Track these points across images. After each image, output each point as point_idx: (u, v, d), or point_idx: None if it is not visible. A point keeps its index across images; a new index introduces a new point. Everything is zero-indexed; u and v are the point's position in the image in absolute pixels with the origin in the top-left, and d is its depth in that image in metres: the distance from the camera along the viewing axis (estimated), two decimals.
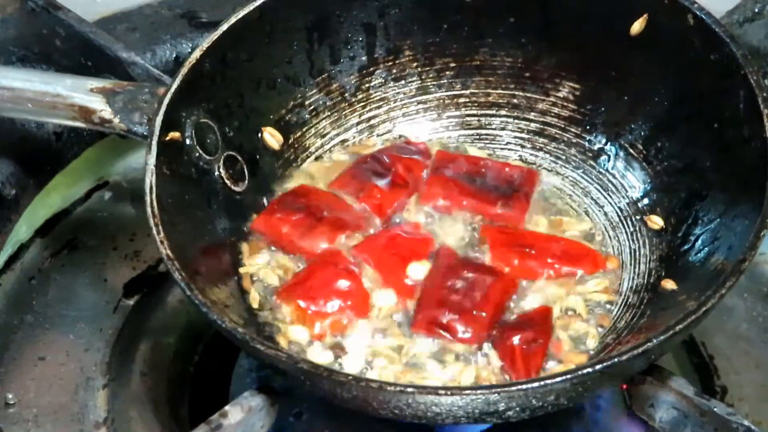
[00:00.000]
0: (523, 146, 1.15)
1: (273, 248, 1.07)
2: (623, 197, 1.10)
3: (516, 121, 1.15)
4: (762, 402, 1.10)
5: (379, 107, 1.15)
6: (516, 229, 1.08)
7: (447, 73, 1.15)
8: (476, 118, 1.16)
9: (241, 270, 1.05)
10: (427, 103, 1.16)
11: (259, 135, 1.10)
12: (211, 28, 1.08)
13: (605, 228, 1.10)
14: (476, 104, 1.16)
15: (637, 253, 1.07)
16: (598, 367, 0.89)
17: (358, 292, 1.03)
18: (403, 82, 1.15)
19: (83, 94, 1.03)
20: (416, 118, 1.16)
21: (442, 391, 0.89)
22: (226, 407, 0.96)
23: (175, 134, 1.02)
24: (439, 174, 1.11)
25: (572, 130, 1.13)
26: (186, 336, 1.16)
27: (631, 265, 1.07)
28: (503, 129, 1.15)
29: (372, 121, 1.15)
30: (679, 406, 0.96)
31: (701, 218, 1.03)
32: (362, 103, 1.15)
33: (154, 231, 0.96)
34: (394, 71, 1.15)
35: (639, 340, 0.91)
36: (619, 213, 1.10)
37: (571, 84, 1.13)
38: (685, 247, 1.04)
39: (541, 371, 0.99)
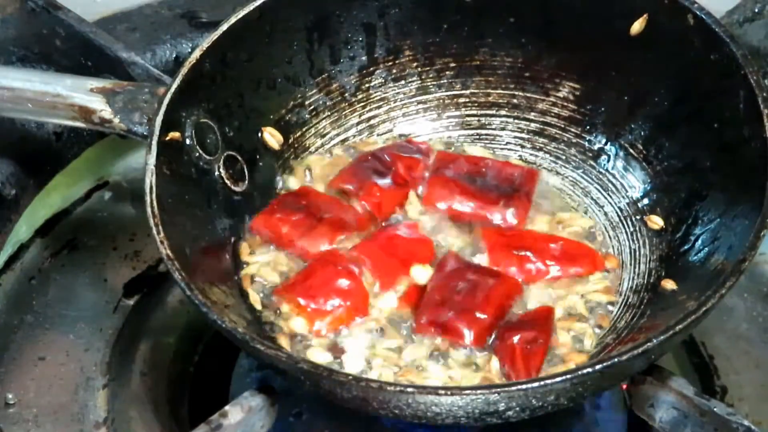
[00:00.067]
0: (523, 146, 1.15)
1: (273, 248, 1.07)
2: (623, 197, 1.10)
3: (516, 121, 1.15)
4: (762, 402, 1.10)
5: (379, 107, 1.15)
6: (515, 230, 1.08)
7: (447, 73, 1.15)
8: (476, 118, 1.16)
9: (241, 270, 1.05)
10: (427, 103, 1.16)
11: (259, 135, 1.10)
12: (211, 28, 1.08)
13: (605, 228, 1.10)
14: (476, 104, 1.16)
15: (637, 253, 1.07)
16: (598, 367, 0.89)
17: (358, 291, 1.03)
18: (403, 82, 1.15)
19: (83, 94, 1.03)
20: (416, 118, 1.16)
21: (442, 391, 0.89)
22: (226, 407, 0.96)
23: (175, 134, 1.02)
24: (440, 174, 1.11)
25: (572, 130, 1.13)
26: (186, 336, 1.16)
27: (631, 265, 1.07)
28: (503, 129, 1.15)
29: (372, 121, 1.15)
30: (679, 406, 0.96)
31: (701, 218, 1.03)
32: (362, 103, 1.15)
33: (154, 231, 0.96)
34: (394, 71, 1.15)
35: (639, 340, 0.91)
36: (619, 213, 1.10)
37: (571, 84, 1.13)
38: (685, 247, 1.04)
39: (541, 371, 0.99)
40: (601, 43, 1.10)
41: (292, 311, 1.02)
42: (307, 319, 1.02)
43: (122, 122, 1.02)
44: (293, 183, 1.11)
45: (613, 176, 1.11)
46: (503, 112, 1.15)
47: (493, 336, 1.01)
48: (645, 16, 1.07)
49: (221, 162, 1.06)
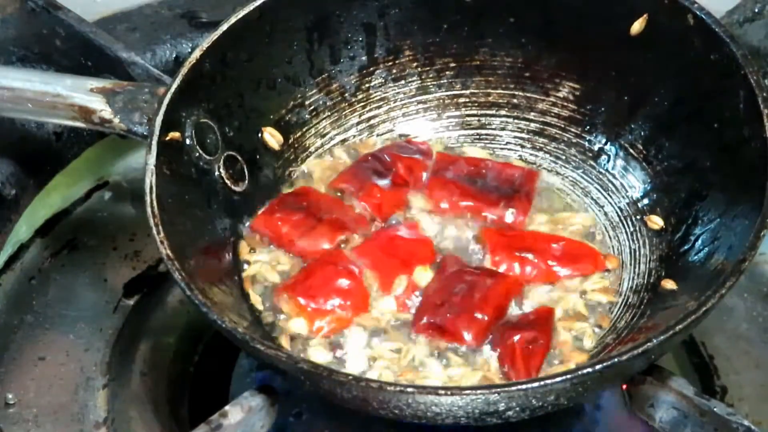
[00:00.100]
0: (523, 146, 1.15)
1: (273, 248, 1.07)
2: (623, 197, 1.10)
3: (516, 121, 1.15)
4: (762, 402, 1.10)
5: (379, 107, 1.15)
6: (516, 230, 1.08)
7: (447, 73, 1.15)
8: (476, 118, 1.16)
9: (242, 270, 1.05)
10: (427, 103, 1.16)
11: (259, 135, 1.10)
12: (211, 28, 1.08)
13: (605, 228, 1.10)
14: (476, 104, 1.16)
15: (637, 253, 1.07)
16: (598, 367, 0.89)
17: (358, 291, 1.03)
18: (403, 82, 1.15)
19: (83, 94, 1.03)
20: (416, 118, 1.16)
21: (442, 391, 0.89)
22: (226, 407, 0.96)
23: (175, 134, 1.02)
24: (440, 176, 1.11)
25: (572, 130, 1.13)
26: (186, 336, 1.16)
27: (631, 265, 1.07)
28: (503, 129, 1.15)
29: (372, 121, 1.15)
30: (679, 406, 0.96)
31: (701, 218, 1.03)
32: (362, 103, 1.15)
33: (154, 231, 0.96)
34: (394, 71, 1.15)
35: (639, 340, 0.91)
36: (619, 213, 1.10)
37: (571, 84, 1.13)
38: (685, 247, 1.04)
39: (541, 371, 0.99)
40: (601, 43, 1.10)
41: (292, 311, 1.03)
42: (308, 319, 1.02)
43: (122, 122, 1.02)
44: (294, 184, 1.11)
45: (613, 176, 1.11)
46: (503, 112, 1.15)
47: (492, 336, 1.01)
48: (645, 16, 1.07)
49: (221, 162, 1.06)
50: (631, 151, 1.11)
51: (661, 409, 0.97)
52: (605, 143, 1.12)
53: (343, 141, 1.15)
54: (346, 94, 1.15)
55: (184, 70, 1.03)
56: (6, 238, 1.12)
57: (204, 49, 1.05)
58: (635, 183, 1.10)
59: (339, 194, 1.10)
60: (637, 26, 1.07)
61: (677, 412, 0.97)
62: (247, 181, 1.08)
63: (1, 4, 1.18)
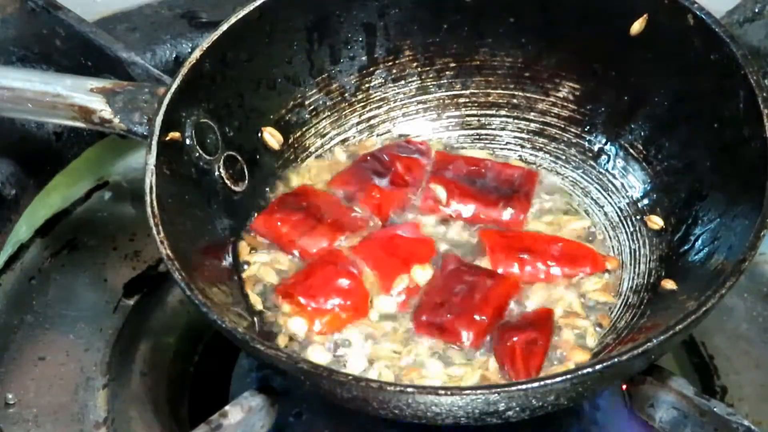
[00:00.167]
0: (523, 146, 1.15)
1: (272, 248, 1.07)
2: (623, 197, 1.10)
3: (516, 121, 1.15)
4: (762, 402, 1.10)
5: (379, 107, 1.15)
6: (515, 231, 1.08)
7: (447, 73, 1.15)
8: (476, 118, 1.16)
9: (242, 270, 1.05)
10: (427, 103, 1.16)
11: (259, 135, 1.10)
12: (211, 28, 1.08)
13: (605, 228, 1.10)
14: (476, 104, 1.16)
15: (637, 253, 1.07)
16: (598, 367, 0.89)
17: (358, 291, 1.03)
18: (403, 82, 1.15)
19: (83, 94, 1.03)
20: (416, 118, 1.16)
21: (442, 391, 0.89)
22: (226, 407, 0.96)
23: (175, 134, 1.02)
24: (439, 176, 1.11)
25: (572, 130, 1.13)
26: (186, 336, 1.16)
27: (631, 265, 1.07)
28: (503, 129, 1.15)
29: (372, 121, 1.15)
30: (679, 406, 0.96)
31: (701, 218, 1.03)
32: (362, 103, 1.15)
33: (154, 231, 0.96)
34: (394, 71, 1.15)
35: (639, 340, 0.91)
36: (619, 213, 1.10)
37: (571, 84, 1.13)
38: (685, 247, 1.04)
39: (541, 371, 0.99)
40: (601, 43, 1.10)
41: (292, 311, 1.03)
42: (308, 319, 1.02)
43: (122, 122, 1.02)
44: (293, 183, 1.11)
45: (613, 176, 1.11)
46: (503, 112, 1.15)
47: (492, 336, 1.01)
48: (645, 16, 1.07)
49: (221, 162, 1.06)
50: (631, 151, 1.11)
51: (661, 409, 0.97)
52: (605, 143, 1.12)
53: (343, 141, 1.15)
54: (346, 94, 1.15)
55: (184, 70, 1.03)
56: (6, 238, 1.12)
57: (204, 49, 1.05)
58: (635, 183, 1.10)
59: (338, 194, 1.10)
60: (637, 26, 1.07)
61: (677, 412, 0.97)
62: (247, 181, 1.08)
63: (1, 4, 1.18)
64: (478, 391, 0.89)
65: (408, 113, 1.16)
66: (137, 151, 1.22)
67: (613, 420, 1.08)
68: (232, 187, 1.07)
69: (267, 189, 1.10)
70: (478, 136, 1.16)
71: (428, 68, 1.15)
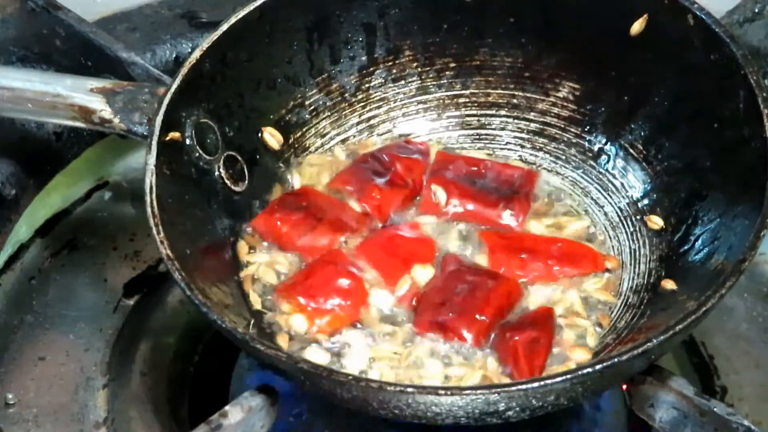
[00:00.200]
0: (523, 146, 1.15)
1: (273, 248, 1.07)
2: (623, 197, 1.10)
3: (516, 121, 1.15)
4: (762, 402, 1.10)
5: (379, 107, 1.15)
6: (515, 232, 1.08)
7: (447, 73, 1.15)
8: (476, 118, 1.16)
9: (241, 270, 1.05)
10: (427, 103, 1.16)
11: (259, 135, 1.10)
12: (211, 28, 1.08)
13: (605, 228, 1.10)
14: (476, 104, 1.16)
15: (637, 253, 1.07)
16: (598, 367, 0.89)
17: (358, 291, 1.03)
18: (403, 82, 1.15)
19: (83, 94, 1.03)
20: (416, 118, 1.16)
21: (442, 391, 0.89)
22: (226, 407, 0.96)
23: (175, 134, 1.02)
24: (439, 176, 1.10)
25: (572, 130, 1.13)
26: (186, 336, 1.16)
27: (631, 265, 1.07)
28: (503, 129, 1.15)
29: (372, 121, 1.15)
30: (679, 406, 0.96)
31: (701, 218, 1.03)
32: (362, 103, 1.15)
33: (154, 231, 0.96)
34: (394, 71, 1.15)
35: (639, 340, 0.91)
36: (619, 213, 1.10)
37: (571, 84, 1.13)
38: (685, 247, 1.04)
39: (544, 370, 0.99)
40: (601, 43, 1.10)
41: (292, 311, 1.02)
42: (308, 319, 1.02)
43: (122, 122, 1.02)
44: (293, 183, 1.11)
45: (613, 176, 1.11)
46: (503, 112, 1.15)
47: (492, 336, 1.01)
48: (645, 16, 1.07)
49: (221, 162, 1.06)
50: (631, 151, 1.11)
51: (661, 409, 0.97)
52: (605, 143, 1.12)
53: (343, 141, 1.15)
54: (346, 94, 1.15)
55: (184, 70, 1.03)
56: (6, 238, 1.12)
57: (204, 49, 1.05)
58: (635, 183, 1.10)
59: (338, 194, 1.10)
60: (637, 26, 1.07)
61: (677, 412, 0.97)
62: (247, 181, 1.08)
63: (1, 4, 1.18)
64: (478, 391, 0.89)
65: (408, 113, 1.16)
66: (137, 151, 1.22)
67: (613, 420, 1.08)
68: (232, 187, 1.07)
69: (267, 189, 1.10)
70: (478, 136, 1.16)
71: (428, 68, 1.15)
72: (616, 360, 0.89)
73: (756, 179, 0.97)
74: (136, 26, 1.24)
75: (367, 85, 1.15)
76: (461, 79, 1.15)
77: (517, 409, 0.91)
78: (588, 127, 1.13)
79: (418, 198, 1.10)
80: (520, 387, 0.89)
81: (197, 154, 1.04)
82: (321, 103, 1.14)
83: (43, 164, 1.16)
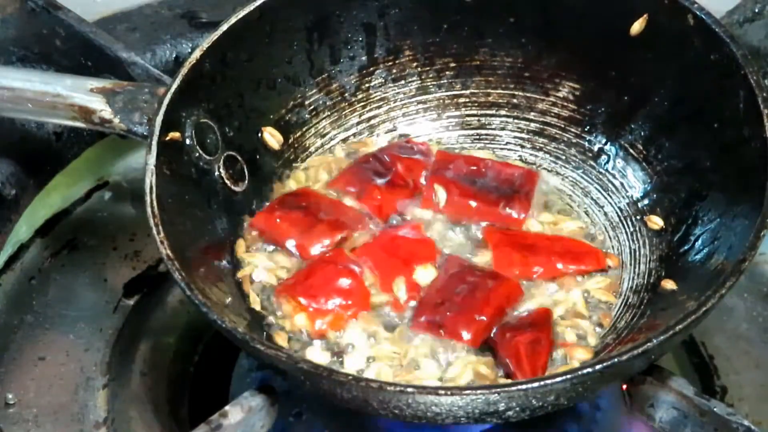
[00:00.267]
0: (523, 146, 1.15)
1: (272, 248, 1.07)
2: (623, 197, 1.10)
3: (516, 121, 1.15)
4: (762, 402, 1.10)
5: (379, 107, 1.15)
6: (517, 230, 1.08)
7: (447, 73, 1.15)
8: (476, 118, 1.16)
9: (241, 270, 1.05)
10: (427, 103, 1.16)
11: (259, 135, 1.10)
12: (211, 28, 1.08)
13: (605, 228, 1.10)
14: (476, 104, 1.16)
15: (637, 253, 1.07)
16: (598, 367, 0.89)
17: (359, 290, 1.03)
18: (403, 82, 1.15)
19: (83, 94, 1.03)
20: (416, 118, 1.16)
21: (442, 391, 0.89)
22: (226, 407, 0.96)
23: (175, 134, 1.02)
24: (440, 176, 1.10)
25: (572, 130, 1.13)
26: (186, 336, 1.16)
27: (631, 265, 1.07)
28: (503, 129, 1.15)
29: (372, 121, 1.15)
30: (679, 406, 0.96)
31: (701, 218, 1.04)
32: (362, 103, 1.15)
33: (154, 231, 0.96)
34: (394, 71, 1.15)
35: (639, 340, 0.91)
36: (619, 213, 1.10)
37: (571, 84, 1.13)
38: (685, 247, 1.04)
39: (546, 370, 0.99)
40: (601, 43, 1.10)
41: (293, 310, 1.02)
42: (308, 319, 1.02)
43: (122, 122, 1.02)
44: (294, 183, 1.11)
45: (613, 176, 1.11)
46: (503, 112, 1.15)
47: (492, 335, 1.01)
48: (645, 16, 1.07)
49: (221, 162, 1.06)
50: (631, 151, 1.11)
51: (661, 409, 0.97)
52: (605, 143, 1.12)
53: (344, 141, 1.15)
54: (346, 94, 1.15)
55: (184, 70, 1.03)
56: (6, 238, 1.12)
57: (204, 49, 1.05)
58: (635, 183, 1.10)
59: (339, 195, 1.10)
60: (637, 26, 1.07)
61: (677, 412, 0.97)
62: (247, 181, 1.08)
63: (1, 4, 1.18)
64: (478, 391, 0.89)
65: (408, 113, 1.16)
66: (137, 151, 1.22)
67: (613, 420, 1.08)
68: (232, 187, 1.07)
69: (267, 189, 1.10)
70: (478, 136, 1.16)
71: (428, 68, 1.15)
72: (616, 360, 0.89)
73: (756, 179, 0.97)
74: (136, 26, 1.24)
75: (367, 85, 1.15)
76: (461, 79, 1.15)
77: (517, 409, 0.91)
78: (588, 127, 1.13)
79: (418, 198, 1.10)
80: (520, 387, 0.89)
81: (197, 154, 1.04)
82: (321, 103, 1.14)
83: (43, 164, 1.16)
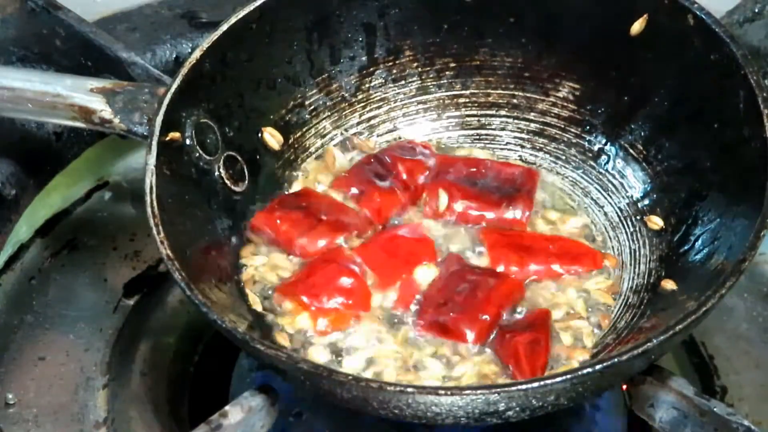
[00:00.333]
0: (523, 146, 1.15)
1: (272, 248, 1.07)
2: (623, 197, 1.10)
3: (516, 121, 1.15)
4: (762, 402, 1.10)
5: (379, 107, 1.15)
6: (516, 230, 1.08)
7: (447, 73, 1.15)
8: (476, 118, 1.16)
9: (241, 270, 1.05)
10: (427, 103, 1.16)
11: (259, 135, 1.10)
12: (211, 28, 1.08)
13: (605, 228, 1.10)
14: (476, 104, 1.16)
15: (637, 253, 1.07)
16: (598, 367, 0.89)
17: (361, 290, 1.03)
18: (403, 82, 1.15)
19: (83, 94, 1.03)
20: (416, 118, 1.16)
21: (442, 391, 0.89)
22: (226, 407, 0.96)
23: (175, 134, 1.02)
24: (440, 179, 1.10)
25: (572, 130, 1.13)
26: (186, 336, 1.16)
27: (631, 265, 1.07)
28: (503, 129, 1.15)
29: (372, 122, 1.15)
30: (679, 406, 0.96)
31: (701, 218, 1.03)
32: (362, 104, 1.15)
33: (154, 231, 0.96)
34: (394, 71, 1.15)
35: (639, 340, 0.91)
36: (619, 213, 1.10)
37: (571, 84, 1.13)
38: (685, 247, 1.04)
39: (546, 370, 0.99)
40: (601, 43, 1.10)
41: (293, 310, 1.02)
42: (310, 318, 1.02)
43: (122, 122, 1.02)
44: (294, 184, 1.11)
45: (613, 176, 1.11)
46: (503, 113, 1.15)
47: (493, 336, 1.01)
48: (645, 16, 1.07)
49: (221, 162, 1.06)
50: (631, 151, 1.11)
51: (661, 409, 0.97)
52: (605, 143, 1.12)
53: (344, 141, 1.15)
54: (346, 94, 1.15)
55: (184, 70, 1.03)
56: (6, 238, 1.12)
57: (204, 49, 1.05)
58: (635, 183, 1.10)
59: (339, 196, 1.10)
60: (637, 26, 1.07)
61: (677, 412, 0.97)
62: (247, 181, 1.08)
63: (1, 4, 1.18)
64: (478, 391, 0.89)
65: (408, 113, 1.16)
66: (137, 151, 1.22)
67: (613, 420, 1.08)
68: (232, 187, 1.07)
69: (267, 189, 1.10)
70: (478, 136, 1.16)
71: (428, 68, 1.15)
72: (616, 360, 0.89)
73: (756, 179, 0.97)
74: (136, 26, 1.24)
75: (367, 85, 1.15)
76: (461, 79, 1.15)
77: (517, 409, 0.91)
78: (588, 127, 1.13)
79: (419, 200, 1.10)
80: (520, 387, 0.89)
81: (197, 154, 1.04)
82: (321, 103, 1.14)
83: (43, 164, 1.16)
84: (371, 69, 1.15)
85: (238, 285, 1.04)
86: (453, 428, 1.05)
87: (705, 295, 0.92)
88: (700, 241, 1.03)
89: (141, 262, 1.19)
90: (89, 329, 1.14)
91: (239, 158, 1.08)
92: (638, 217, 1.09)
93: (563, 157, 1.13)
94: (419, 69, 1.15)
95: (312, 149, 1.13)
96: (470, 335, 1.00)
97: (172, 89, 1.02)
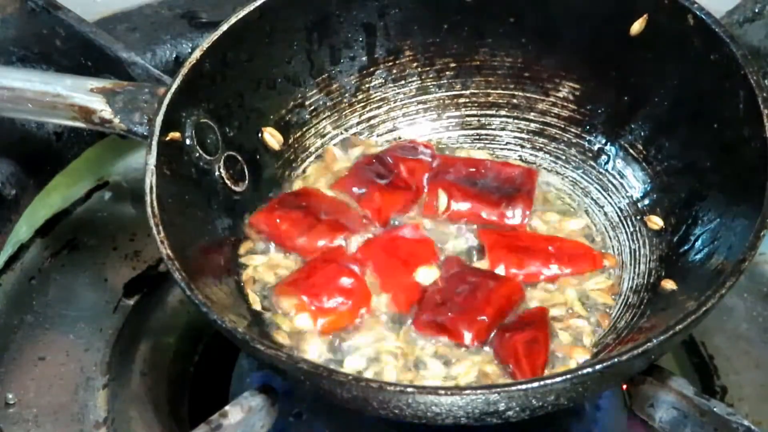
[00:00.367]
0: (523, 146, 1.15)
1: (272, 248, 1.07)
2: (623, 197, 1.10)
3: (516, 121, 1.15)
4: (762, 402, 1.10)
5: (379, 107, 1.15)
6: (514, 230, 1.08)
7: (447, 73, 1.15)
8: (476, 118, 1.16)
9: (241, 270, 1.05)
10: (427, 103, 1.16)
11: (259, 135, 1.10)
12: (211, 28, 1.08)
13: (605, 228, 1.10)
14: (476, 104, 1.16)
15: (637, 253, 1.07)
16: (598, 367, 0.89)
17: (361, 290, 1.03)
18: (403, 82, 1.15)
19: (83, 94, 1.03)
20: (416, 118, 1.16)
21: (442, 391, 0.89)
22: (226, 407, 0.96)
23: (175, 134, 1.02)
24: (440, 179, 1.10)
25: (572, 130, 1.13)
26: (186, 336, 1.16)
27: (631, 265, 1.07)
28: (503, 129, 1.15)
29: (372, 122, 1.15)
30: (679, 406, 0.96)
31: (701, 218, 1.04)
32: (362, 104, 1.15)
33: (154, 231, 0.96)
34: (395, 71, 1.15)
35: (639, 340, 0.91)
36: (619, 213, 1.10)
37: (571, 84, 1.13)
38: (685, 247, 1.04)
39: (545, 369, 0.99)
40: (601, 43, 1.10)
41: (293, 309, 1.02)
42: (310, 317, 1.02)
43: (122, 122, 1.02)
44: (294, 184, 1.11)
45: (613, 176, 1.11)
46: (503, 113, 1.15)
47: (492, 336, 1.01)
48: (645, 16, 1.07)
49: (221, 162, 1.06)
50: (630, 151, 1.11)
51: (661, 409, 0.97)
52: (605, 143, 1.12)
53: (344, 141, 1.15)
54: (346, 95, 1.15)
55: (184, 70, 1.03)
56: (6, 238, 1.12)
57: (204, 49, 1.05)
58: (635, 183, 1.10)
59: (340, 196, 1.10)
60: (637, 26, 1.07)
61: (677, 412, 0.97)
62: (247, 181, 1.08)
63: (1, 4, 1.18)
64: (478, 391, 0.89)
65: (408, 113, 1.16)
66: (137, 151, 1.22)
67: (613, 420, 1.08)
68: (233, 187, 1.07)
69: (267, 189, 1.10)
70: (478, 136, 1.16)
71: (428, 68, 1.15)
72: (616, 360, 0.89)
73: (756, 179, 0.97)
74: (136, 26, 1.24)
75: (367, 86, 1.15)
76: (461, 79, 1.15)
77: (517, 409, 0.91)
78: (588, 127, 1.13)
79: (419, 200, 1.10)
80: (520, 387, 0.89)
81: (197, 154, 1.04)
82: (321, 103, 1.14)
83: (43, 164, 1.16)
84: (371, 69, 1.15)
85: (238, 284, 1.04)
86: (453, 428, 1.05)
87: (705, 295, 0.92)
88: (700, 241, 1.03)
89: (141, 262, 1.19)
90: (89, 329, 1.14)
91: (239, 158, 1.08)
92: (638, 217, 1.09)
93: (563, 157, 1.14)
94: (419, 69, 1.15)
95: (312, 149, 1.14)
96: (468, 336, 1.00)
97: (172, 89, 1.02)
